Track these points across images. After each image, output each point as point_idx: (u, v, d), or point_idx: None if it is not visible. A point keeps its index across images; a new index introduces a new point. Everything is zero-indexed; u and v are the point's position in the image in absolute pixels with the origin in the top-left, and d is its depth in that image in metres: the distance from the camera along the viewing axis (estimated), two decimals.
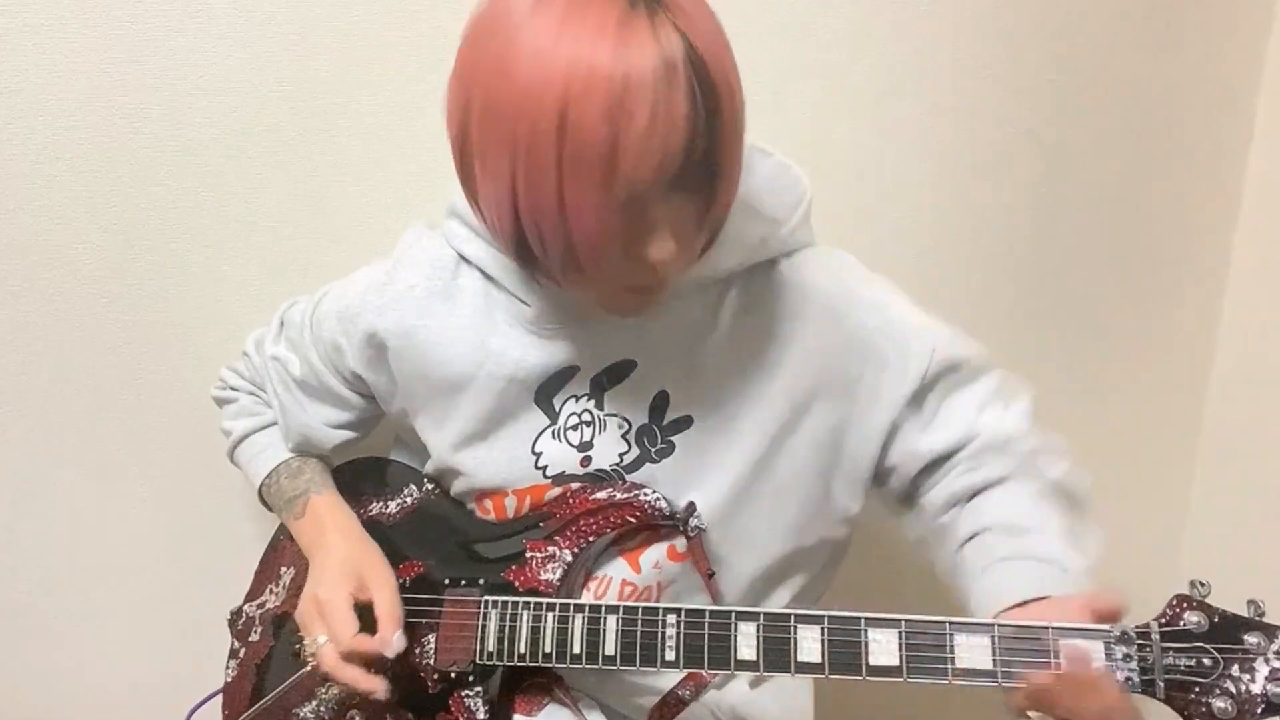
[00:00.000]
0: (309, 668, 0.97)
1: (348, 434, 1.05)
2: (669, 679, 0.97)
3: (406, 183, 1.20)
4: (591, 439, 0.94)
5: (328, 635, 0.89)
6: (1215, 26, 1.33)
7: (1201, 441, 1.46)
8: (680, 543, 0.94)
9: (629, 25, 0.69)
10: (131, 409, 1.22)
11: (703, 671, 0.94)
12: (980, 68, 1.27)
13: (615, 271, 0.78)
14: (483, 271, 0.94)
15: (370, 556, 0.96)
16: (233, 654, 1.06)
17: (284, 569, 1.06)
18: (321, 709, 0.98)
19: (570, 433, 0.94)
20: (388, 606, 0.91)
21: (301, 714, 0.98)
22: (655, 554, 0.95)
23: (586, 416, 0.94)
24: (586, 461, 0.95)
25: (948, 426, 0.92)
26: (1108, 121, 1.32)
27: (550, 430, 0.94)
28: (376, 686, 0.88)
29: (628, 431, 0.94)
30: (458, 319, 0.94)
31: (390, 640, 0.89)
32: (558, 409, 0.94)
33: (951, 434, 0.91)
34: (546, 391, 0.94)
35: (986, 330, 1.33)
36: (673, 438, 0.93)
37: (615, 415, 0.94)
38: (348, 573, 0.93)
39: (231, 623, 1.07)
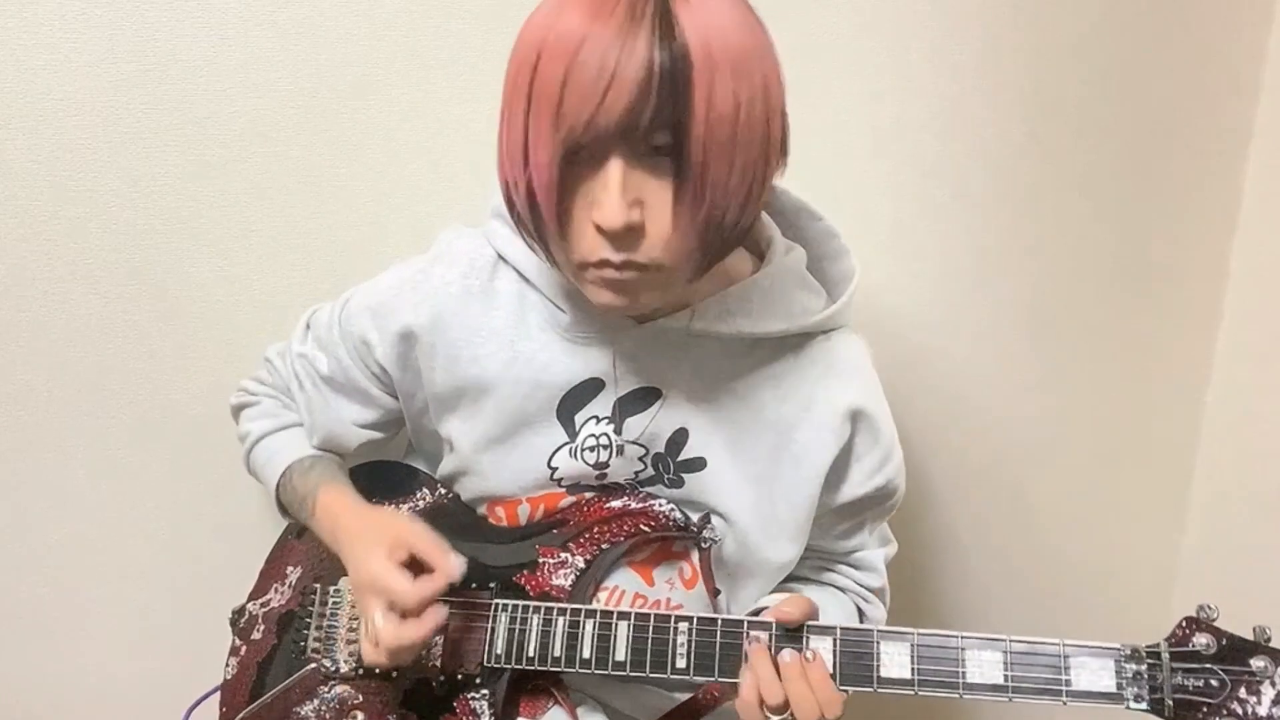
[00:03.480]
0: (309, 668, 0.96)
1: (373, 434, 1.05)
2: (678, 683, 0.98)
3: (411, 185, 1.18)
4: (608, 460, 0.94)
5: (390, 603, 0.85)
6: (1215, 26, 1.33)
7: (1201, 442, 1.48)
8: (686, 568, 0.96)
9: None
10: (133, 407, 1.21)
11: (701, 693, 0.96)
12: (979, 67, 1.27)
13: (578, 235, 0.79)
14: (520, 274, 0.95)
15: (382, 515, 0.95)
16: (233, 651, 1.05)
17: (290, 568, 1.05)
18: (323, 708, 0.97)
19: (587, 453, 0.94)
20: (425, 542, 0.88)
21: (303, 713, 0.98)
22: (668, 572, 0.97)
23: (604, 440, 0.94)
24: (602, 477, 0.96)
25: (850, 539, 1.02)
26: (1108, 121, 1.33)
27: (567, 448, 0.95)
28: (440, 615, 0.86)
29: (644, 455, 0.95)
30: (491, 319, 0.94)
31: (448, 568, 0.87)
32: (578, 427, 0.94)
33: (851, 545, 1.02)
34: (569, 406, 0.94)
35: (986, 330, 1.36)
36: (685, 475, 0.95)
37: (634, 443, 0.94)
38: (374, 542, 0.89)
39: (234, 621, 1.06)
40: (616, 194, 0.75)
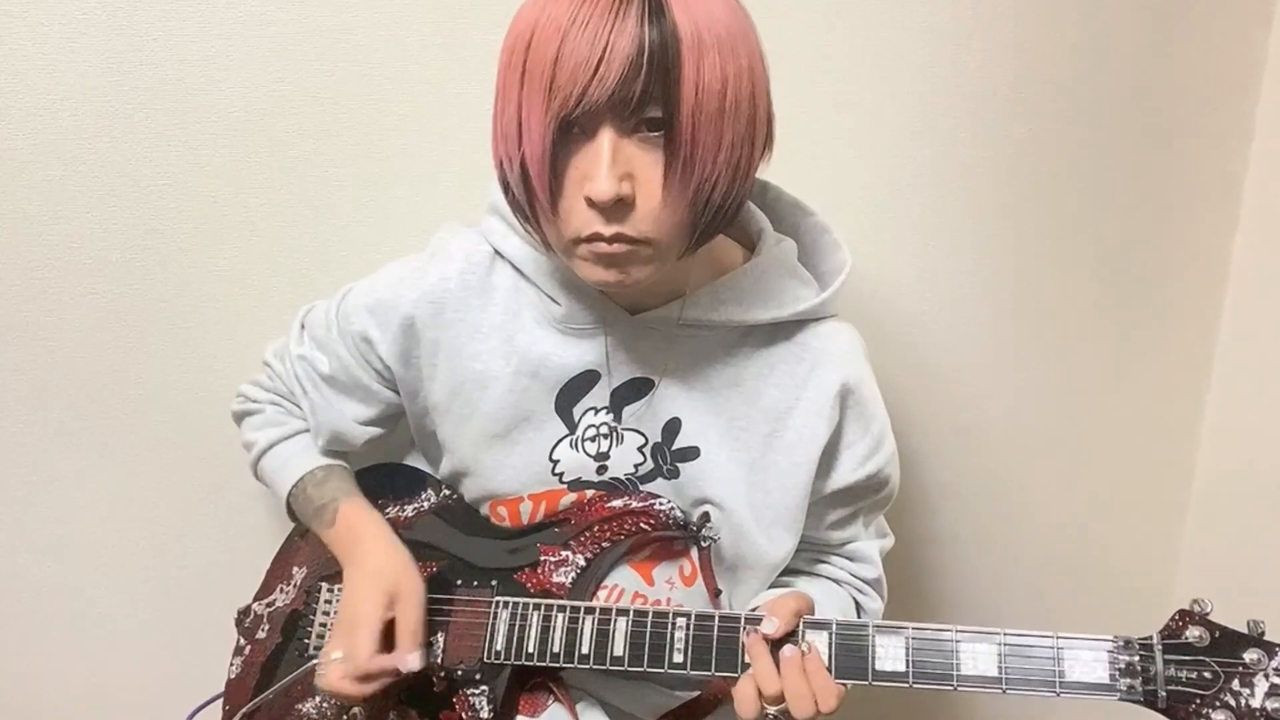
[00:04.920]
0: (310, 665, 0.97)
1: (376, 430, 1.06)
2: (679, 680, 0.98)
3: (410, 184, 1.19)
4: (609, 450, 0.96)
5: (345, 654, 0.90)
6: (1215, 26, 1.34)
7: (1203, 437, 1.47)
8: (686, 566, 0.97)
9: None
10: (134, 407, 1.22)
11: (702, 694, 0.97)
12: (979, 68, 1.27)
13: (570, 210, 0.80)
14: (516, 268, 0.96)
15: (402, 568, 0.95)
16: (238, 651, 1.06)
17: (296, 569, 1.06)
18: (324, 705, 0.98)
19: (588, 443, 0.96)
20: (411, 625, 0.91)
21: (304, 710, 0.99)
22: (668, 570, 0.97)
23: (604, 429, 0.96)
24: (602, 470, 0.97)
25: (843, 529, 1.02)
26: (1107, 121, 1.33)
27: (568, 440, 0.96)
28: (371, 690, 0.90)
29: (644, 445, 0.96)
30: (489, 315, 0.96)
31: (406, 659, 0.90)
32: (576, 419, 0.96)
33: (845, 535, 1.02)
34: (566, 399, 0.95)
35: (986, 330, 1.37)
36: (679, 464, 0.96)
37: (633, 430, 0.96)
38: (380, 589, 0.93)
39: (239, 621, 1.07)
40: (607, 166, 0.77)
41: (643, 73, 0.75)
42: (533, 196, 0.81)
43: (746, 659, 0.85)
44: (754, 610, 0.87)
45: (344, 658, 0.90)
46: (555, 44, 0.75)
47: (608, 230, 0.79)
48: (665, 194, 0.79)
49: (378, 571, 0.94)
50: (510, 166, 0.81)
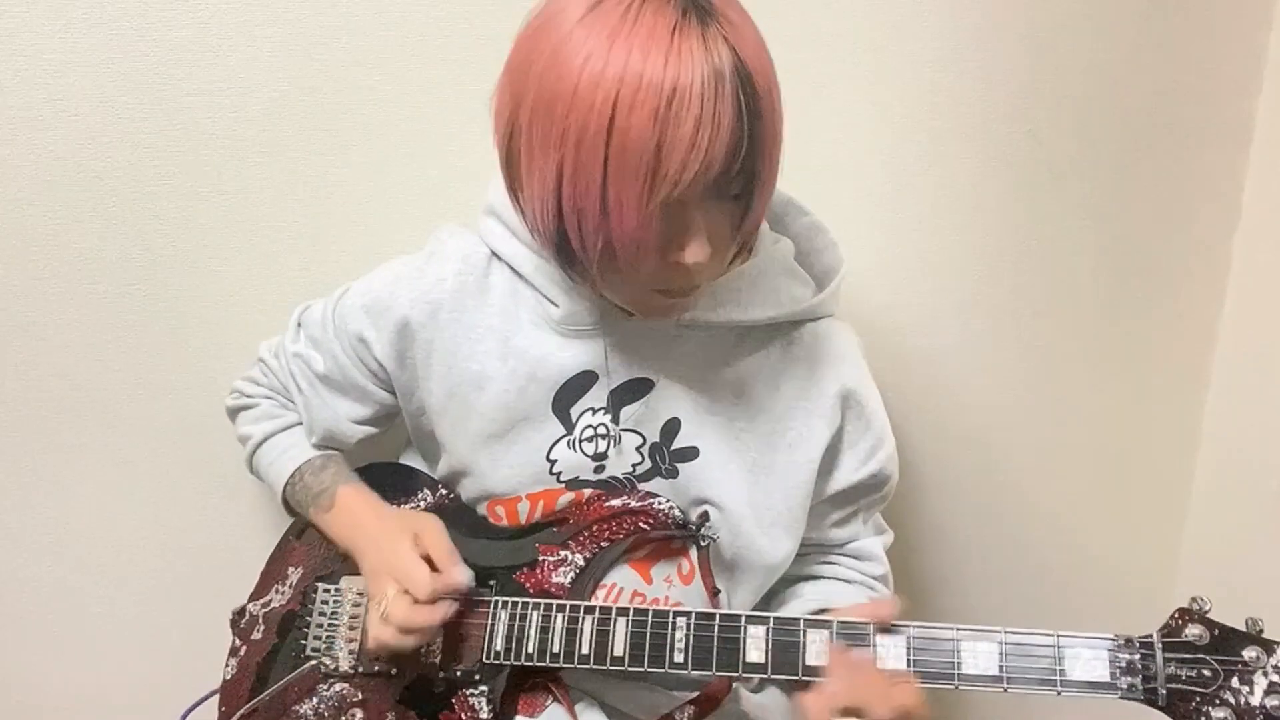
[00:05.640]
0: (308, 666, 0.97)
1: (370, 429, 1.06)
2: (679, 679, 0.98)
3: (411, 185, 1.19)
4: (606, 450, 0.96)
5: (405, 588, 0.89)
6: (1215, 26, 1.33)
7: (1202, 442, 1.47)
8: (685, 564, 0.97)
9: (681, 34, 0.72)
10: (132, 408, 1.22)
11: (701, 694, 0.96)
12: (980, 68, 1.27)
13: (650, 272, 0.81)
14: (514, 269, 0.96)
15: (406, 512, 0.98)
16: (233, 652, 1.06)
17: (291, 569, 1.06)
18: (322, 706, 0.98)
19: (585, 444, 0.96)
20: (444, 548, 0.92)
21: (301, 711, 0.98)
22: (667, 569, 0.98)
23: (602, 430, 0.96)
24: (600, 469, 0.97)
25: (845, 528, 1.02)
26: (1107, 121, 1.33)
27: (566, 440, 0.96)
28: (448, 610, 0.90)
29: (641, 445, 0.96)
30: (486, 315, 0.96)
31: (456, 573, 0.91)
32: (574, 419, 0.96)
33: (846, 534, 1.03)
34: (564, 400, 0.95)
35: (985, 330, 1.37)
36: (678, 465, 0.96)
37: (631, 430, 0.96)
38: (402, 531, 0.93)
39: (234, 622, 1.07)
40: (704, 237, 0.78)
41: (742, 150, 0.75)
42: (610, 262, 0.79)
43: (822, 668, 0.83)
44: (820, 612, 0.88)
45: (400, 593, 0.89)
46: (652, 125, 0.71)
47: (690, 284, 0.82)
48: (731, 244, 0.82)
49: (392, 526, 0.96)
50: (584, 236, 0.78)
